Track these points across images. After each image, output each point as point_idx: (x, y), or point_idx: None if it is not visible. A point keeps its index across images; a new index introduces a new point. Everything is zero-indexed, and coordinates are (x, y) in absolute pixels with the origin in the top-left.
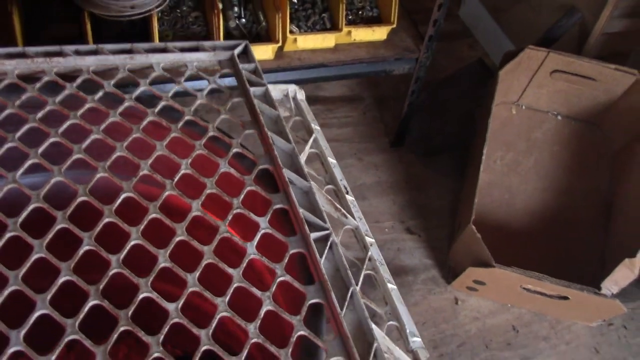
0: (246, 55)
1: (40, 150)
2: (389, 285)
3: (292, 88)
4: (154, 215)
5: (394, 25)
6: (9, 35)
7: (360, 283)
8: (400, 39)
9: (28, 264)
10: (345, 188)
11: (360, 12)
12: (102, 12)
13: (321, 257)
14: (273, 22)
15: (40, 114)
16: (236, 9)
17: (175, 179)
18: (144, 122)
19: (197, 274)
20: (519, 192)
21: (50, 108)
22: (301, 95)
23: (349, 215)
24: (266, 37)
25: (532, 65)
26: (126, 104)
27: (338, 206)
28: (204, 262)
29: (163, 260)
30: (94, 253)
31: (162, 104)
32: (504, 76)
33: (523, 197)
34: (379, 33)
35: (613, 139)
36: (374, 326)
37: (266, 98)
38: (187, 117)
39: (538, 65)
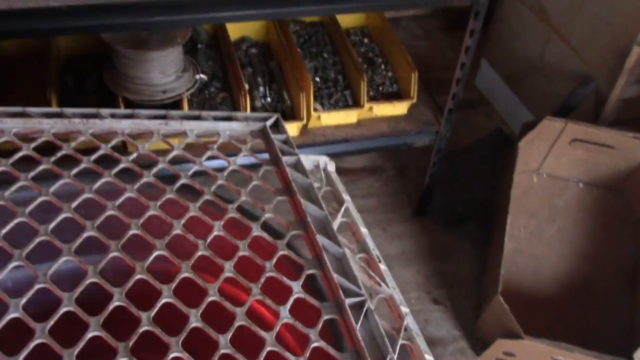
0: (277, 127)
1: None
2: (427, 357)
3: (323, 159)
4: (185, 275)
5: (414, 100)
6: None
7: (397, 353)
8: (420, 113)
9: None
10: (378, 257)
11: (380, 88)
12: (135, 97)
13: (356, 323)
14: (297, 101)
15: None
16: (261, 88)
17: (208, 240)
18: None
19: (228, 335)
20: (544, 260)
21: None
22: (332, 167)
23: (382, 283)
24: (291, 114)
25: (551, 135)
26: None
27: (372, 274)
28: (236, 324)
29: (195, 320)
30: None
31: (194, 168)
32: (524, 146)
33: (548, 264)
34: (399, 108)
35: (635, 205)
36: None
37: (298, 167)
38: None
39: (557, 135)
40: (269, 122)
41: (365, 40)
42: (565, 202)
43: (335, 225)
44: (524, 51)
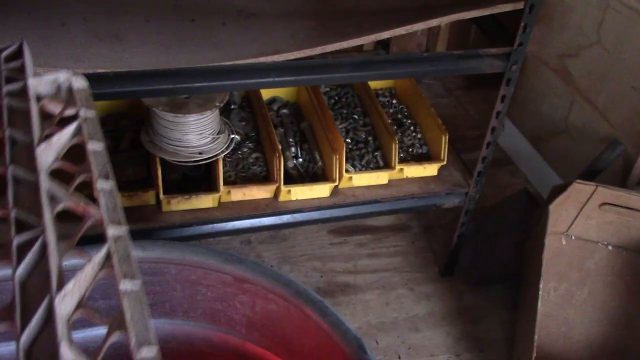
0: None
1: None
2: None
3: (63, 76)
4: None
5: (444, 162)
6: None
7: None
8: (450, 174)
9: None
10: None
11: (410, 149)
12: (172, 158)
13: None
14: (330, 162)
15: None
16: (293, 149)
17: None
18: None
19: None
20: (576, 325)
21: None
22: (80, 83)
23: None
24: (322, 175)
25: (581, 198)
26: None
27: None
28: None
29: None
30: None
31: None
32: (554, 209)
33: (580, 329)
34: (429, 169)
35: None
36: None
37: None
38: None
39: (587, 198)
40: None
41: (394, 101)
42: (596, 265)
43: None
44: (548, 112)
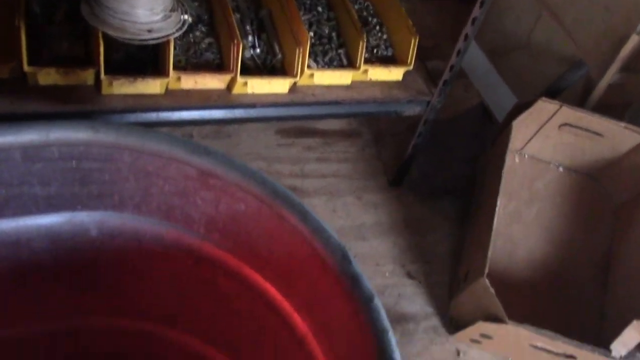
0: None
1: None
2: None
3: None
4: None
5: (411, 67)
6: (14, 52)
7: None
8: (414, 80)
9: None
10: None
11: (374, 51)
12: (117, 34)
13: None
14: (291, 56)
15: None
16: (250, 38)
17: None
18: None
19: None
20: (521, 243)
21: None
22: None
23: None
24: (281, 69)
25: (542, 117)
26: None
27: None
28: None
29: None
30: None
31: None
32: (516, 125)
33: (525, 248)
34: (395, 73)
35: (614, 195)
36: None
37: None
38: None
39: (548, 117)
40: None
41: None
42: (545, 186)
43: None
44: (511, 27)
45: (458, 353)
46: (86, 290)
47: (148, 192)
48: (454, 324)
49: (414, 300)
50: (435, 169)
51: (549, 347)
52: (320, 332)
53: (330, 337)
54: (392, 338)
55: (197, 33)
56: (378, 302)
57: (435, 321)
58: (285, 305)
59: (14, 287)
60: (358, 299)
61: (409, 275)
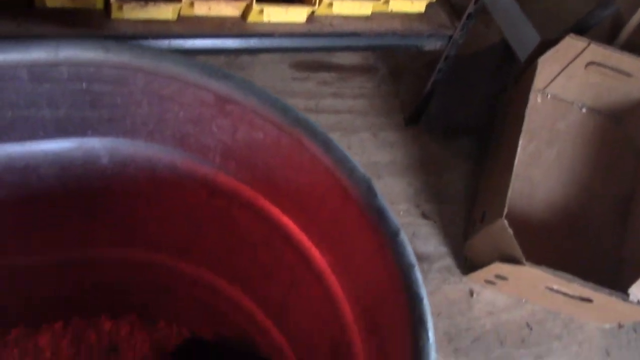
0: None
1: None
2: None
3: None
4: None
5: None
6: None
7: None
8: (436, 14)
9: None
10: None
11: None
12: None
13: None
14: None
15: None
16: None
17: None
18: None
19: None
20: (540, 185)
21: None
22: None
23: None
24: None
25: (569, 55)
26: None
27: None
28: None
29: None
30: None
31: None
32: (541, 63)
33: (544, 190)
34: (417, 5)
35: (637, 139)
36: None
37: None
38: None
39: (575, 56)
40: None
41: None
42: (567, 127)
43: None
44: None
45: (472, 293)
46: (97, 219)
47: (162, 118)
48: (468, 265)
49: (428, 240)
50: (453, 108)
51: (565, 290)
52: (339, 267)
53: (351, 272)
54: (418, 274)
55: None
56: (404, 237)
57: (449, 261)
58: (304, 239)
59: (23, 216)
60: (383, 233)
61: (424, 215)
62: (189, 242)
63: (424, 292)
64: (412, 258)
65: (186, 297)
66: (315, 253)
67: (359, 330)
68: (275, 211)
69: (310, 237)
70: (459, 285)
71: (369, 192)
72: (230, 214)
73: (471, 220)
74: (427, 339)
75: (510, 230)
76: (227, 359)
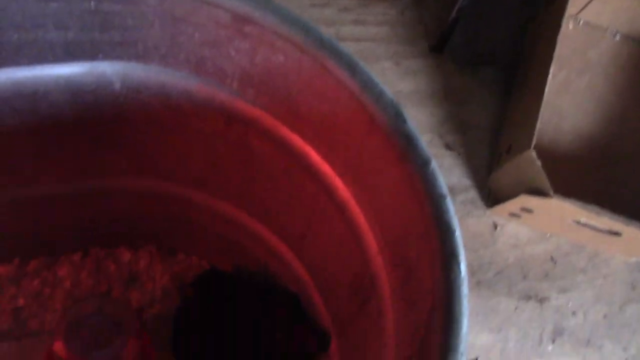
0: None
1: None
2: None
3: None
4: None
5: None
6: None
7: None
8: None
9: None
10: None
11: None
12: None
13: None
14: None
15: None
16: None
17: None
18: None
19: None
20: (569, 115)
21: None
22: None
23: None
24: None
25: None
26: None
27: None
28: None
29: None
30: None
31: None
32: None
33: (573, 121)
34: None
35: None
36: None
37: None
38: None
39: None
40: None
41: None
42: (599, 55)
43: None
44: None
45: (495, 226)
46: (110, 148)
47: (176, 41)
48: (492, 197)
49: (451, 172)
50: (480, 35)
51: (593, 223)
52: (364, 198)
53: (376, 203)
54: (451, 205)
55: None
56: (435, 166)
57: (472, 194)
58: (326, 168)
59: (33, 144)
60: (412, 161)
61: (447, 147)
62: (205, 172)
63: (456, 223)
64: (444, 188)
65: (205, 229)
66: (338, 183)
67: (384, 263)
68: (296, 140)
69: (333, 166)
70: (482, 218)
71: (398, 117)
72: (248, 143)
73: (497, 152)
74: (459, 272)
75: (539, 162)
76: (246, 290)
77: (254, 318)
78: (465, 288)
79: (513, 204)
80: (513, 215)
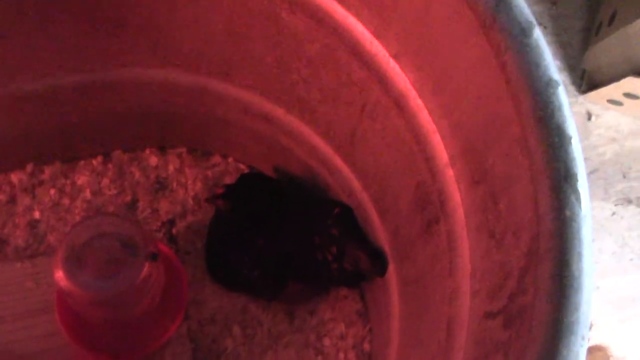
0: None
1: None
2: None
3: None
4: None
5: None
6: None
7: None
8: None
9: None
10: None
11: None
12: None
13: None
14: None
15: None
16: None
17: None
18: None
19: None
20: None
21: None
22: None
23: None
24: None
25: None
26: None
27: None
28: None
29: None
30: None
31: None
32: None
33: None
34: None
35: None
36: None
37: None
38: None
39: None
40: None
41: None
42: None
43: None
44: None
45: (589, 116)
46: (127, 32)
47: None
48: (587, 81)
49: None
50: None
51: None
52: (429, 87)
53: (447, 95)
54: (564, 97)
55: None
56: (539, 35)
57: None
58: (378, 48)
59: (47, 32)
60: (503, 29)
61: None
62: (233, 61)
63: (572, 126)
64: (553, 71)
65: (239, 127)
66: (393, 68)
67: (457, 177)
68: (339, 11)
69: (386, 45)
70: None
71: None
72: (278, 19)
73: (595, 24)
74: (578, 202)
75: None
76: (292, 198)
77: (301, 230)
78: (588, 229)
79: (614, 89)
80: (613, 102)
